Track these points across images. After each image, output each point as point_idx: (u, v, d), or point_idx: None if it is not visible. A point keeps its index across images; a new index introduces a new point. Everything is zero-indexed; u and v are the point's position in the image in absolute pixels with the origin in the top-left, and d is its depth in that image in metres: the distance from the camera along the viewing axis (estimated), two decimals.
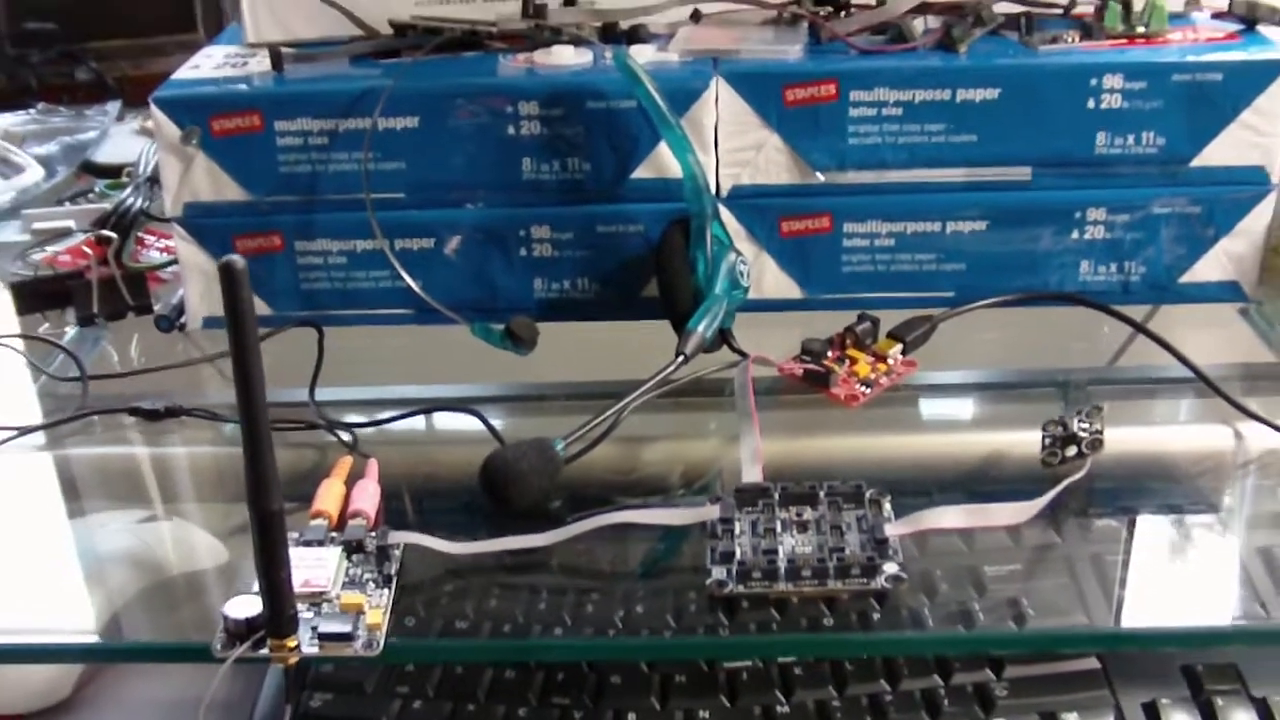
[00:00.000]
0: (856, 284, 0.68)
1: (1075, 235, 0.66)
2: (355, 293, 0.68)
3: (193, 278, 0.68)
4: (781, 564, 0.48)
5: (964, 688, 0.58)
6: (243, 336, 0.40)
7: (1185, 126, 0.64)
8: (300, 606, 0.46)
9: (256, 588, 0.45)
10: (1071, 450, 0.54)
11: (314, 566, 0.48)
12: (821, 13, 0.68)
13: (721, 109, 0.65)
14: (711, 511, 0.51)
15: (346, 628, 0.46)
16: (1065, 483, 0.53)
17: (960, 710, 0.57)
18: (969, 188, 0.66)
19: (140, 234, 0.77)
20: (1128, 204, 0.66)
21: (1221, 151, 0.65)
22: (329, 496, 0.53)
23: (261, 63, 0.68)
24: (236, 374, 0.41)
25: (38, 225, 0.81)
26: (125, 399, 0.62)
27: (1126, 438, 0.57)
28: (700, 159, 0.63)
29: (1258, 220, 0.66)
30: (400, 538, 0.51)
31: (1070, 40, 0.66)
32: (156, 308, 0.69)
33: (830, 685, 0.58)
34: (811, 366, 0.61)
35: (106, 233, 0.71)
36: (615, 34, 0.70)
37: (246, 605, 0.45)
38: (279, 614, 0.44)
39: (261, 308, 0.65)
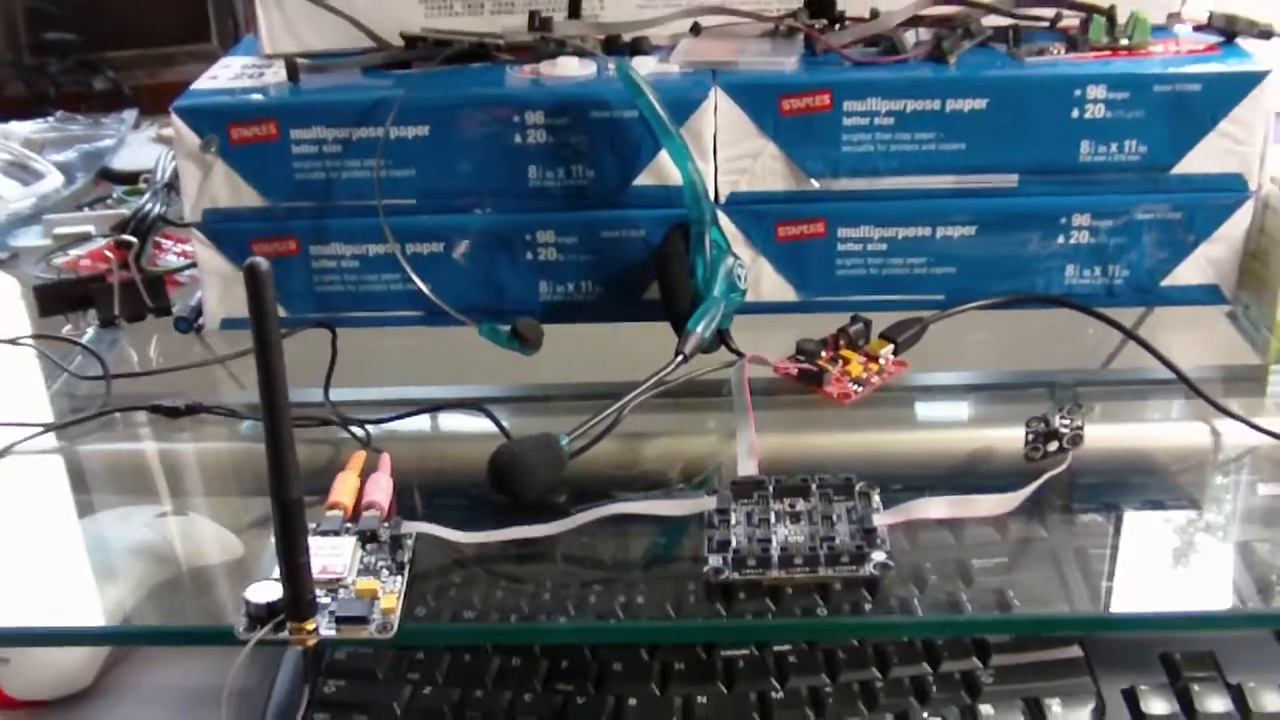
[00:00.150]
0: (850, 287, 0.68)
1: (1061, 240, 0.67)
2: (367, 295, 0.69)
3: (211, 281, 0.69)
4: (775, 552, 0.49)
5: (952, 675, 0.59)
6: (266, 335, 0.42)
7: (1166, 135, 0.65)
8: (318, 592, 0.47)
9: (276, 574, 0.46)
10: (1053, 445, 0.56)
11: (331, 555, 0.50)
12: (816, 26, 0.69)
13: (720, 118, 0.66)
14: (709, 503, 0.52)
15: (362, 612, 0.47)
16: (1046, 476, 0.54)
17: (948, 696, 0.58)
18: (958, 194, 0.67)
19: (158, 239, 0.78)
20: (1111, 210, 0.67)
21: (1201, 159, 0.66)
22: (344, 489, 0.54)
23: (277, 73, 0.69)
24: (260, 371, 0.42)
25: (58, 230, 0.82)
26: (145, 397, 0.64)
27: (1107, 434, 0.58)
28: (699, 167, 0.64)
29: (1236, 226, 0.67)
30: (412, 528, 0.52)
31: (1056, 52, 0.67)
32: (175, 309, 0.71)
33: (823, 672, 0.59)
34: (806, 366, 0.62)
35: (127, 237, 0.72)
36: (618, 46, 0.71)
37: (267, 590, 0.47)
38: (299, 598, 0.45)
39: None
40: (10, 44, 1.08)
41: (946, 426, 0.66)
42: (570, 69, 0.68)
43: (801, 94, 0.65)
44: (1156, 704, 0.57)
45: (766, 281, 0.68)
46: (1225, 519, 0.56)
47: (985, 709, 0.57)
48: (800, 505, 0.52)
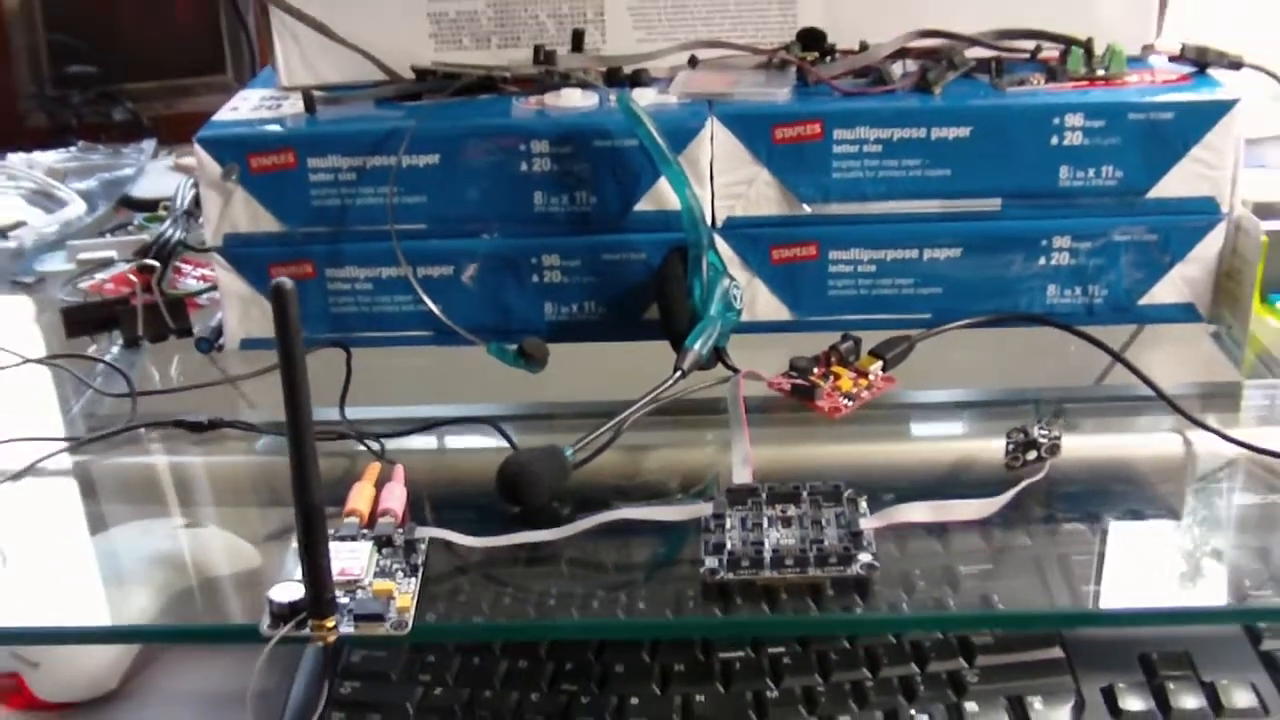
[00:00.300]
0: (841, 307, 0.69)
1: (1042, 261, 0.68)
2: (380, 316, 0.70)
3: (231, 303, 0.70)
4: (767, 554, 0.51)
5: (939, 675, 0.60)
6: (290, 349, 0.44)
7: (1141, 161, 0.66)
8: (337, 593, 0.49)
9: (297, 576, 0.48)
10: (1032, 454, 0.57)
11: (349, 558, 0.52)
12: (808, 58, 0.70)
13: (716, 147, 0.67)
14: (705, 509, 0.54)
15: (379, 610, 0.49)
16: (1024, 483, 0.56)
17: (935, 695, 0.59)
18: (944, 218, 0.68)
19: (178, 263, 0.79)
20: (1090, 232, 0.68)
21: (1175, 184, 0.67)
22: (360, 498, 0.56)
23: (294, 105, 0.71)
24: (285, 383, 0.44)
25: (82, 255, 0.83)
26: (168, 414, 0.65)
27: (1083, 444, 0.60)
28: (697, 192, 0.66)
29: (1210, 247, 0.68)
30: (425, 533, 0.54)
31: (1036, 82, 0.68)
32: (196, 330, 0.72)
33: (816, 673, 0.60)
34: (799, 381, 0.63)
35: (149, 261, 0.73)
36: (619, 78, 0.72)
37: (289, 590, 0.49)
38: (320, 597, 0.47)
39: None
40: (34, 77, 1.08)
41: (931, 439, 0.66)
42: (573, 100, 0.69)
43: (794, 123, 0.66)
44: (1133, 701, 0.58)
45: (762, 302, 0.70)
46: (1195, 523, 0.58)
47: (970, 706, 0.58)
48: (791, 511, 0.54)
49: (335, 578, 0.49)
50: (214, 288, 0.74)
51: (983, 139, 0.66)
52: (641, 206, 0.68)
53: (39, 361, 0.72)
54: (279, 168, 0.68)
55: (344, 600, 0.50)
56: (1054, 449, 0.58)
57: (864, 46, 0.71)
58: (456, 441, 0.65)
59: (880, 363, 0.64)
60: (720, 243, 0.68)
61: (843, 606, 0.51)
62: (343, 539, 0.53)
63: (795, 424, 0.63)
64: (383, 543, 0.53)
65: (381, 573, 0.52)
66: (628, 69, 0.72)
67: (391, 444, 0.62)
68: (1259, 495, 0.59)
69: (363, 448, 0.62)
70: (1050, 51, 0.71)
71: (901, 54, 0.71)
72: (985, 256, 0.69)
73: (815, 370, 0.64)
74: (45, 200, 0.93)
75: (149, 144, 1.02)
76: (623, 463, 0.60)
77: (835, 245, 0.69)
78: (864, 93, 0.68)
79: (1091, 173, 0.67)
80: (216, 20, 1.10)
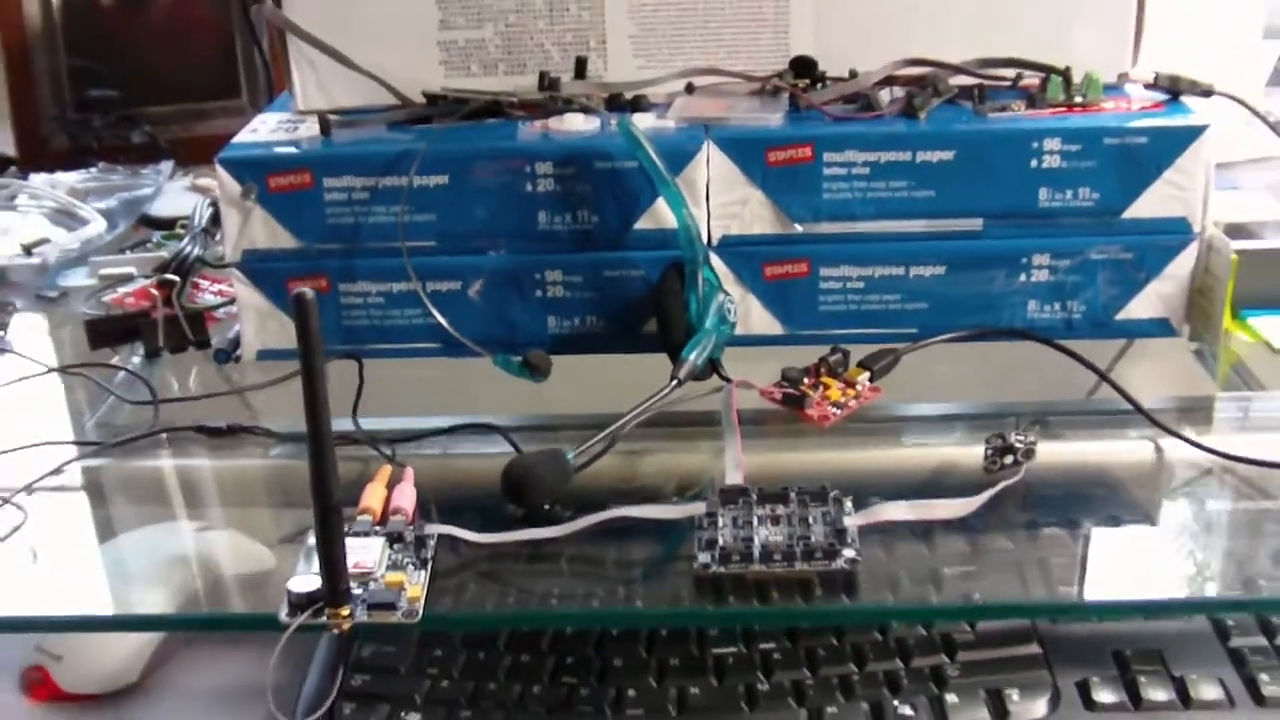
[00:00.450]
0: (831, 321, 0.71)
1: (1023, 278, 0.69)
2: (391, 329, 0.71)
3: (249, 316, 0.72)
4: (757, 549, 0.53)
5: (922, 670, 0.61)
6: (311, 354, 0.46)
7: (1117, 183, 0.68)
8: (352, 584, 0.51)
9: (314, 569, 0.50)
10: (1009, 458, 0.59)
11: (362, 552, 0.53)
12: (800, 85, 0.72)
13: (712, 169, 0.68)
14: (699, 508, 0.56)
15: (391, 599, 0.51)
16: (1001, 485, 0.58)
17: (917, 688, 0.60)
18: (929, 237, 0.69)
19: (195, 279, 0.81)
20: (1068, 250, 0.69)
21: (1149, 205, 0.68)
22: (373, 497, 0.57)
23: (310, 128, 0.72)
24: (305, 384, 0.47)
25: (104, 271, 0.84)
26: (189, 421, 0.67)
27: (1057, 449, 0.61)
28: (693, 212, 0.67)
29: (1183, 265, 0.69)
30: (434, 529, 0.56)
31: (1017, 108, 0.69)
32: (214, 342, 0.74)
33: (805, 667, 0.61)
34: (789, 391, 0.64)
35: (169, 276, 0.75)
36: (620, 103, 0.73)
37: (306, 582, 0.51)
38: (336, 586, 0.49)
39: None
40: (56, 100, 1.09)
41: (915, 445, 0.67)
42: (576, 124, 0.70)
43: (786, 146, 0.68)
44: (1106, 694, 0.60)
45: (755, 316, 0.71)
46: (1164, 523, 0.60)
47: (951, 699, 0.59)
48: (780, 510, 0.55)
49: (350, 570, 0.51)
50: (231, 302, 0.76)
51: (966, 162, 0.68)
52: (641, 225, 0.69)
53: (64, 370, 0.74)
54: (296, 187, 0.69)
55: (358, 591, 0.52)
56: (1029, 453, 0.59)
57: (853, 74, 0.72)
58: (463, 448, 0.66)
59: (867, 374, 0.66)
60: (716, 260, 0.70)
61: (827, 599, 0.53)
62: (357, 535, 0.55)
63: (786, 432, 0.64)
64: (394, 538, 0.55)
65: (393, 566, 0.54)
66: (628, 95, 0.74)
67: (401, 449, 0.64)
68: (1224, 496, 0.61)
69: (375, 453, 0.63)
70: (1030, 79, 0.72)
71: (889, 81, 0.72)
72: (968, 274, 0.70)
73: (805, 381, 0.65)
74: (67, 219, 0.94)
75: (166, 165, 1.03)
76: (621, 467, 0.62)
77: (825, 263, 0.70)
78: (853, 118, 0.70)
79: (1069, 194, 0.68)
80: (232, 47, 1.11)
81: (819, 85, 0.73)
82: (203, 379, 0.74)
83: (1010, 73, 0.73)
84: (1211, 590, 0.56)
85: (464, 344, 0.69)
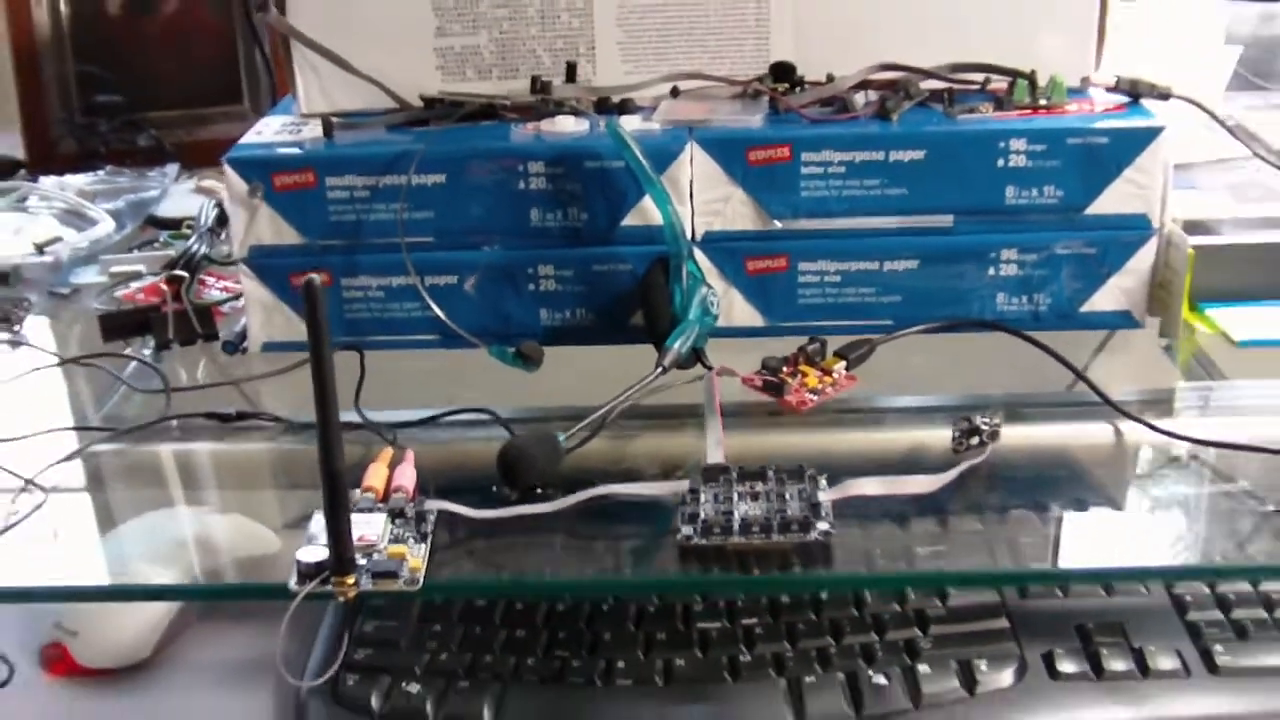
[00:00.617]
0: (810, 314, 0.72)
1: (991, 272, 0.72)
2: (391, 321, 0.73)
3: (254, 309, 0.74)
4: (736, 523, 0.55)
5: (896, 642, 0.64)
6: (318, 335, 0.49)
7: (1080, 181, 0.70)
8: (356, 556, 0.53)
9: (321, 541, 0.53)
10: (975, 440, 0.62)
11: (366, 527, 0.56)
12: (779, 89, 0.74)
13: (695, 168, 0.70)
14: (682, 486, 0.58)
15: (394, 568, 0.54)
16: (966, 464, 0.60)
17: (891, 659, 0.63)
18: (901, 233, 0.71)
19: (202, 276, 0.83)
20: (1034, 246, 0.71)
21: (1110, 202, 0.70)
22: (375, 477, 0.60)
23: (313, 130, 0.74)
24: (313, 363, 0.49)
25: (114, 269, 0.86)
26: (198, 409, 0.69)
27: (1021, 431, 0.64)
28: (678, 209, 0.69)
29: (1143, 259, 0.71)
30: (434, 505, 0.58)
31: (985, 111, 0.72)
32: (221, 334, 0.76)
33: (785, 640, 0.64)
34: (769, 378, 0.66)
35: (179, 272, 0.77)
36: (608, 107, 0.75)
37: (314, 553, 0.53)
38: (342, 555, 0.52)
39: None
40: (64, 106, 1.11)
41: (887, 428, 0.69)
42: (567, 126, 0.72)
43: (765, 147, 0.70)
44: (1069, 665, 0.62)
45: (737, 309, 0.73)
46: (1120, 497, 0.63)
47: (923, 668, 0.62)
48: (759, 487, 0.58)
49: (355, 542, 0.53)
50: (236, 297, 0.78)
51: (936, 161, 0.70)
52: (628, 222, 0.71)
53: (77, 360, 0.76)
54: (300, 186, 0.71)
55: (362, 562, 0.54)
56: (994, 435, 0.62)
57: (830, 78, 0.74)
58: (460, 432, 0.68)
59: (844, 363, 0.68)
60: (699, 255, 0.71)
61: (802, 568, 0.56)
62: (361, 511, 0.57)
63: (766, 417, 0.67)
64: (396, 514, 0.58)
65: (395, 539, 0.56)
66: (616, 98, 0.75)
67: (401, 434, 0.66)
68: (1179, 475, 0.63)
69: (377, 437, 0.65)
70: (998, 83, 0.74)
71: (864, 85, 0.74)
72: (939, 268, 0.72)
73: (784, 369, 0.67)
74: (77, 219, 0.96)
75: (172, 168, 1.05)
76: (610, 450, 0.63)
77: (804, 257, 0.72)
78: (829, 120, 0.72)
79: (1035, 192, 0.70)
80: (234, 55, 1.13)
81: (797, 89, 0.75)
82: (209, 370, 0.76)
83: (979, 77, 0.75)
84: (1164, 559, 0.58)
85: (460, 335, 0.71)
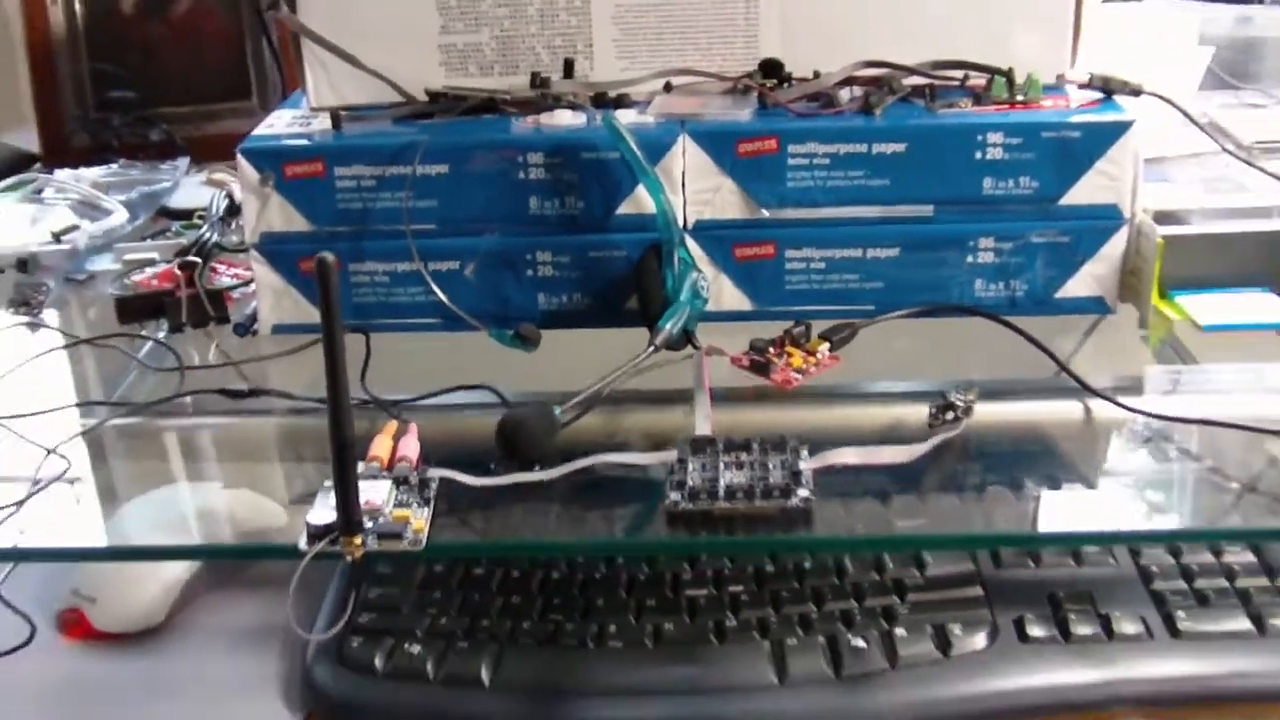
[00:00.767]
0: (796, 299, 0.75)
1: (970, 259, 0.74)
2: (396, 305, 0.75)
3: (265, 293, 0.76)
4: (721, 489, 0.58)
5: (874, 609, 0.67)
6: (330, 308, 0.52)
7: (1054, 173, 0.72)
8: (363, 519, 0.56)
9: (330, 504, 0.56)
10: (950, 415, 0.64)
11: (372, 492, 0.58)
12: (768, 84, 0.76)
13: (687, 159, 0.72)
14: (671, 455, 0.61)
15: (398, 530, 0.57)
16: (941, 436, 0.63)
17: (870, 624, 0.66)
18: (884, 221, 0.73)
19: (213, 263, 0.86)
20: (1011, 234, 0.73)
21: (1083, 192, 0.72)
22: (380, 447, 0.62)
23: (323, 122, 0.76)
24: (325, 335, 0.52)
25: (128, 257, 0.88)
26: (211, 387, 0.72)
27: (994, 409, 0.66)
28: (670, 199, 0.70)
29: (1115, 248, 0.74)
30: (436, 473, 0.60)
31: (964, 106, 0.74)
32: (233, 318, 0.79)
33: (769, 606, 0.68)
34: (756, 358, 0.69)
35: (192, 258, 0.80)
36: (604, 101, 0.77)
37: (323, 515, 0.56)
38: (349, 517, 0.55)
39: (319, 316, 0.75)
40: (79, 102, 1.13)
41: (868, 405, 0.71)
42: (565, 119, 0.74)
43: (754, 139, 0.72)
44: (1039, 629, 0.66)
45: (726, 294, 0.75)
46: (1088, 469, 0.66)
47: (900, 632, 0.66)
48: (744, 457, 0.61)
49: (362, 506, 0.56)
50: (246, 283, 0.81)
51: (917, 154, 0.72)
52: (622, 210, 0.73)
53: (94, 340, 0.79)
54: (310, 175, 0.73)
55: (369, 525, 0.57)
56: (968, 410, 0.65)
57: (816, 75, 0.77)
58: (461, 408, 0.70)
59: (827, 344, 0.70)
60: (690, 242, 0.74)
61: (784, 532, 0.58)
62: (367, 478, 0.60)
63: (752, 394, 0.69)
64: (400, 481, 0.60)
65: (399, 504, 0.59)
66: (612, 93, 0.77)
67: (405, 409, 0.68)
68: (1140, 444, 0.66)
69: (383, 414, 0.67)
70: (977, 80, 0.76)
71: (848, 81, 0.76)
72: (920, 255, 0.74)
73: (771, 350, 0.69)
74: (91, 210, 0.98)
75: (183, 161, 1.07)
76: (604, 424, 0.66)
77: (790, 245, 0.74)
78: (815, 114, 0.74)
79: (1011, 183, 0.73)
80: (243, 52, 1.15)
81: (785, 85, 0.77)
82: (222, 351, 0.79)
83: (959, 74, 0.77)
84: (1129, 525, 0.61)
85: (462, 318, 0.73)
